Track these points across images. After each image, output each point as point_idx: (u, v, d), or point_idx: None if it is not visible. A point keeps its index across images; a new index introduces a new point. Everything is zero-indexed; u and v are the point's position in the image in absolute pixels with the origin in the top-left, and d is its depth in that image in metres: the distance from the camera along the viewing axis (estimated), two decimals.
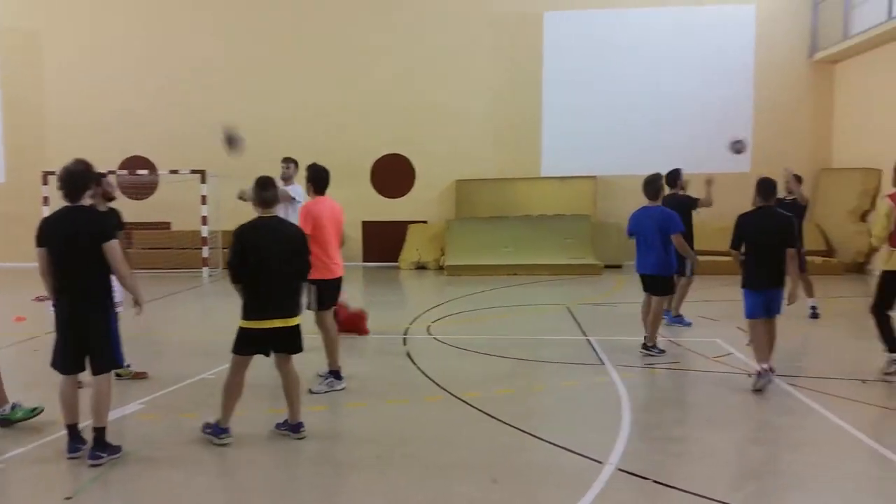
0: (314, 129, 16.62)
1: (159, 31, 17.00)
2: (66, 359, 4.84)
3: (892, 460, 4.72)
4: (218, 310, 8.71)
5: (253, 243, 5.09)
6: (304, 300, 6.17)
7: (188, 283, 14.16)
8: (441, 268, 15.60)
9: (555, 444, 5.06)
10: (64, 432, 4.95)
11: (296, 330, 5.24)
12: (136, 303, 5.15)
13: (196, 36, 16.95)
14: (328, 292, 6.49)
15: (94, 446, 4.78)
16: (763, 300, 6.44)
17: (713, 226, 12.42)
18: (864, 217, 13.76)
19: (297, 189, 7.97)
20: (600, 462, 4.70)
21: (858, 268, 14.14)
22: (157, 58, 17.00)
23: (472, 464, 4.79)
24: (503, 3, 16.47)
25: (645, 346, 7.63)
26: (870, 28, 13.71)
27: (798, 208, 9.30)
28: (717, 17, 16.08)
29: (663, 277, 7.66)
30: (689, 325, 9.00)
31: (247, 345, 5.14)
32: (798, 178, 9.71)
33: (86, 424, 4.97)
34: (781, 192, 9.61)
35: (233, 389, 5.16)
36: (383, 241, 16.84)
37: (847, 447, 5.05)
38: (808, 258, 10.05)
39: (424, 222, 16.84)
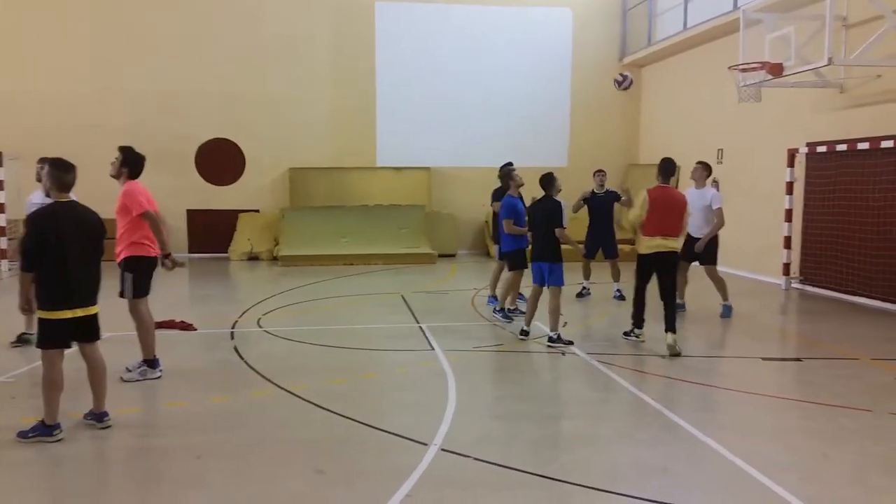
0: (132, 110, 15.49)
1: None
2: None
3: (680, 425, 5.30)
4: (16, 308, 7.87)
5: (52, 229, 4.82)
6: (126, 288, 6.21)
7: None
8: (275, 258, 15.22)
9: (383, 430, 5.15)
10: None
11: (96, 318, 5.11)
12: None
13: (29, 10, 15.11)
14: (144, 276, 6.29)
15: None
16: (537, 269, 7.75)
17: None
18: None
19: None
20: (425, 444, 4.85)
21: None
22: None
23: (298, 457, 4.74)
24: None
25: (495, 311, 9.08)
26: (669, 36, 15.17)
27: (610, 199, 10.33)
28: (538, 17, 16.99)
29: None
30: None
31: (52, 336, 4.89)
32: (602, 172, 10.64)
33: None
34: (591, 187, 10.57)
35: (52, 384, 4.89)
36: (211, 231, 16.09)
37: (646, 416, 5.60)
38: (620, 246, 10.99)
39: (256, 211, 16.31)
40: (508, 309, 8.98)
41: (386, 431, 5.13)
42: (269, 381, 6.40)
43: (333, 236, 15.33)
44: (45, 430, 4.86)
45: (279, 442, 5.01)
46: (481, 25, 16.79)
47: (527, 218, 8.31)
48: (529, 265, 8.07)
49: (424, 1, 16.59)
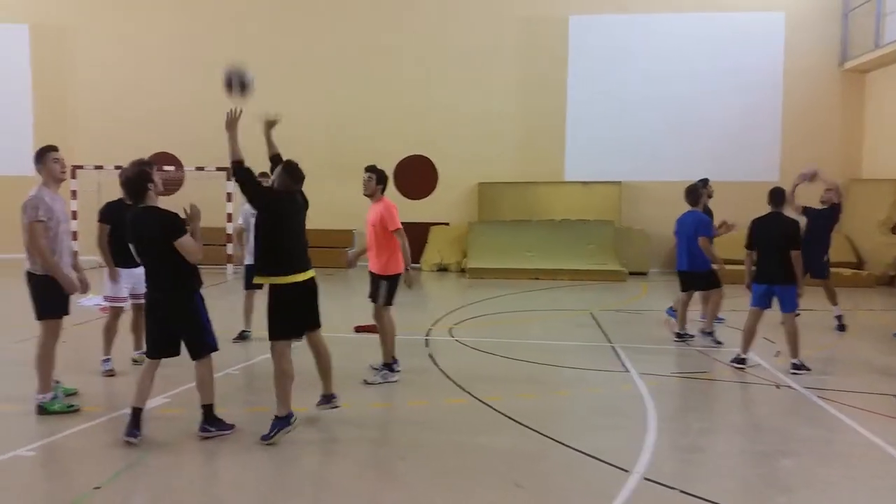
0: (338, 128, 16.70)
1: (188, 29, 17.19)
2: (154, 345, 5.11)
3: None
4: (241, 307, 8.74)
5: (280, 208, 5.33)
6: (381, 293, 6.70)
7: (212, 280, 14.21)
8: (463, 270, 15.58)
9: (579, 451, 5.01)
10: (94, 422, 5.00)
11: (315, 287, 5.41)
12: None
13: (223, 35, 17.08)
14: (397, 287, 6.83)
15: (203, 421, 5.17)
16: (765, 292, 7.17)
17: (740, 233, 12.26)
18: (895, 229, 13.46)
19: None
20: (626, 470, 4.65)
21: (890, 280, 13.85)
22: (184, 56, 17.17)
23: (494, 467, 4.75)
24: (529, 5, 16.44)
25: (702, 332, 8.55)
26: None
27: (830, 215, 9.51)
28: (745, 23, 15.93)
29: (697, 273, 8.38)
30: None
31: (282, 319, 5.23)
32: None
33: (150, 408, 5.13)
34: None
35: (285, 376, 5.25)
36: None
37: (879, 462, 4.94)
38: (837, 269, 9.89)
39: (446, 224, 16.83)
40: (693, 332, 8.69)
41: (582, 452, 4.99)
42: (463, 389, 6.52)
43: (519, 250, 15.39)
44: (282, 424, 5.19)
45: (476, 450, 5.06)
46: (681, 34, 16.08)
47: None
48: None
49: (621, 12, 16.22)
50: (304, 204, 5.61)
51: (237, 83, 5.55)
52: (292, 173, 5.45)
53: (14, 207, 5.75)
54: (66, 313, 5.75)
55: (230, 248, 15.07)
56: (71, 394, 5.99)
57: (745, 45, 15.93)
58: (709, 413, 6.24)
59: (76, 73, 17.43)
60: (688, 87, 16.05)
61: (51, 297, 5.55)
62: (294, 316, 5.30)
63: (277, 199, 5.38)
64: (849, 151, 15.87)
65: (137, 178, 5.11)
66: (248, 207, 8.51)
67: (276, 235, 5.26)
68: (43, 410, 5.56)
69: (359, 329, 8.97)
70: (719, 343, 8.26)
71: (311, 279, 5.41)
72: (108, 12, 17.34)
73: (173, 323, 5.10)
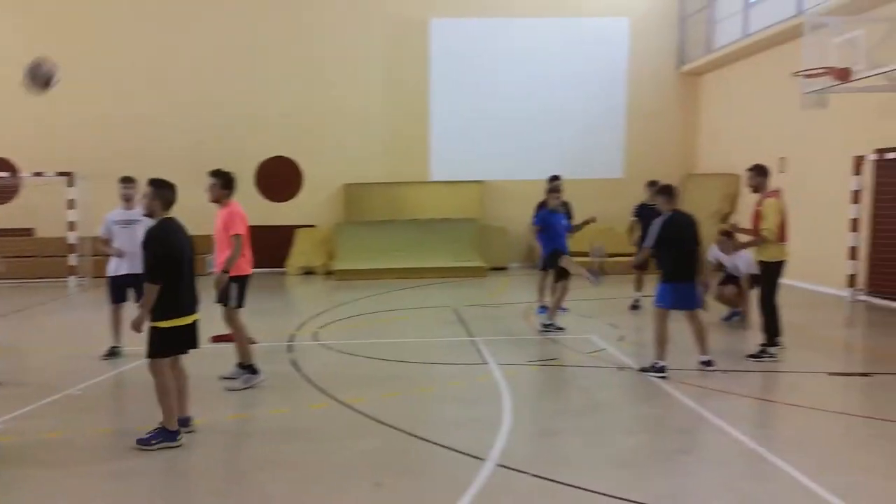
0: (193, 128, 16.01)
1: (20, 15, 15.80)
2: None
3: (742, 441, 5.16)
4: (85, 322, 8.19)
5: (173, 243, 5.11)
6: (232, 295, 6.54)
7: (53, 294, 13.23)
8: (330, 272, 15.44)
9: (439, 444, 5.16)
10: None
11: (197, 326, 5.40)
12: None
13: (62, 23, 15.85)
14: (246, 289, 6.76)
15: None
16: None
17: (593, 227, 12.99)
18: (724, 219, 14.71)
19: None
20: (482, 459, 4.84)
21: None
22: (15, 45, 15.76)
23: (355, 469, 4.79)
24: (391, 7, 16.52)
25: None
26: (729, 43, 14.85)
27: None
28: (594, 29, 16.84)
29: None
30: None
31: (169, 345, 5.15)
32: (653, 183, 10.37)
33: None
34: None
35: (168, 390, 5.13)
36: (269, 247, 16.33)
37: (706, 433, 5.46)
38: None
39: (312, 226, 16.59)
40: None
41: (442, 446, 5.13)
42: (326, 393, 6.49)
43: (387, 250, 15.47)
44: (168, 436, 5.07)
45: (338, 454, 5.08)
46: (536, 38, 16.74)
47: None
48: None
49: (480, 16, 16.66)
50: (190, 240, 5.36)
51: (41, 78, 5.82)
52: (165, 185, 5.23)
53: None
54: None
55: (73, 260, 14.07)
56: None
57: (594, 48, 16.84)
58: (559, 398, 6.64)
59: None
60: (543, 89, 16.75)
61: None
62: (182, 340, 5.27)
63: (158, 232, 5.16)
64: (686, 148, 17.21)
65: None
66: (108, 216, 7.92)
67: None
68: None
69: (216, 339, 8.66)
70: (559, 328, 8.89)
71: (194, 325, 5.32)
72: None
73: None
